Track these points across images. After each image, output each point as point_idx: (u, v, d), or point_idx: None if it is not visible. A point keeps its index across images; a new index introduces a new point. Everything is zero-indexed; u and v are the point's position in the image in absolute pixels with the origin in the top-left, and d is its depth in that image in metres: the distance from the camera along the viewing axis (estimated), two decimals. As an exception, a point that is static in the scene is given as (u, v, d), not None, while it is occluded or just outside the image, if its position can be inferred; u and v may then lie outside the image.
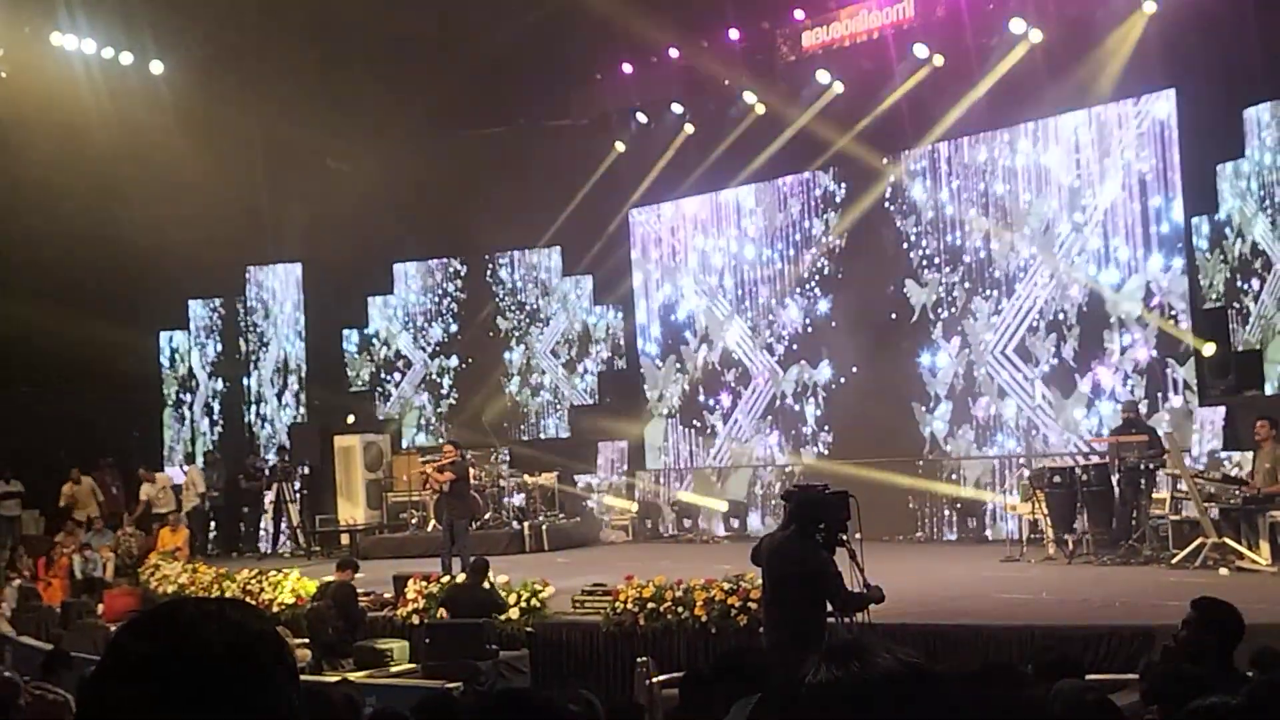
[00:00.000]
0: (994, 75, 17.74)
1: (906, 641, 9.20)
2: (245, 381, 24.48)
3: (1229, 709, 3.36)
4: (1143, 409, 16.14)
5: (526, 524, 19.76)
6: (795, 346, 20.63)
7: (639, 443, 22.36)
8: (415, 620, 13.46)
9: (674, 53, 20.77)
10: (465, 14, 20.37)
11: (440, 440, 21.19)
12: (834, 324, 20.11)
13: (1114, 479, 14.68)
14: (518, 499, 20.71)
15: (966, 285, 18.58)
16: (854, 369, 19.88)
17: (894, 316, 19.29)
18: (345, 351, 24.51)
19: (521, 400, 23.62)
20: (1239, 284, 15.84)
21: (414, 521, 20.66)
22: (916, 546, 18.00)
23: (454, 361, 24.01)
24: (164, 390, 25.07)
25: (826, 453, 20.04)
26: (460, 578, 14.09)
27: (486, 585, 13.16)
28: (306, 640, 12.96)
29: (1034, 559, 14.82)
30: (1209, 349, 16.11)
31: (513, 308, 23.75)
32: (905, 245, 19.27)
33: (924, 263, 19.06)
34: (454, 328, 24.06)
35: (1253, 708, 3.26)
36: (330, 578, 13.99)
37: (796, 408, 20.56)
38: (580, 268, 23.25)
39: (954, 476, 18.58)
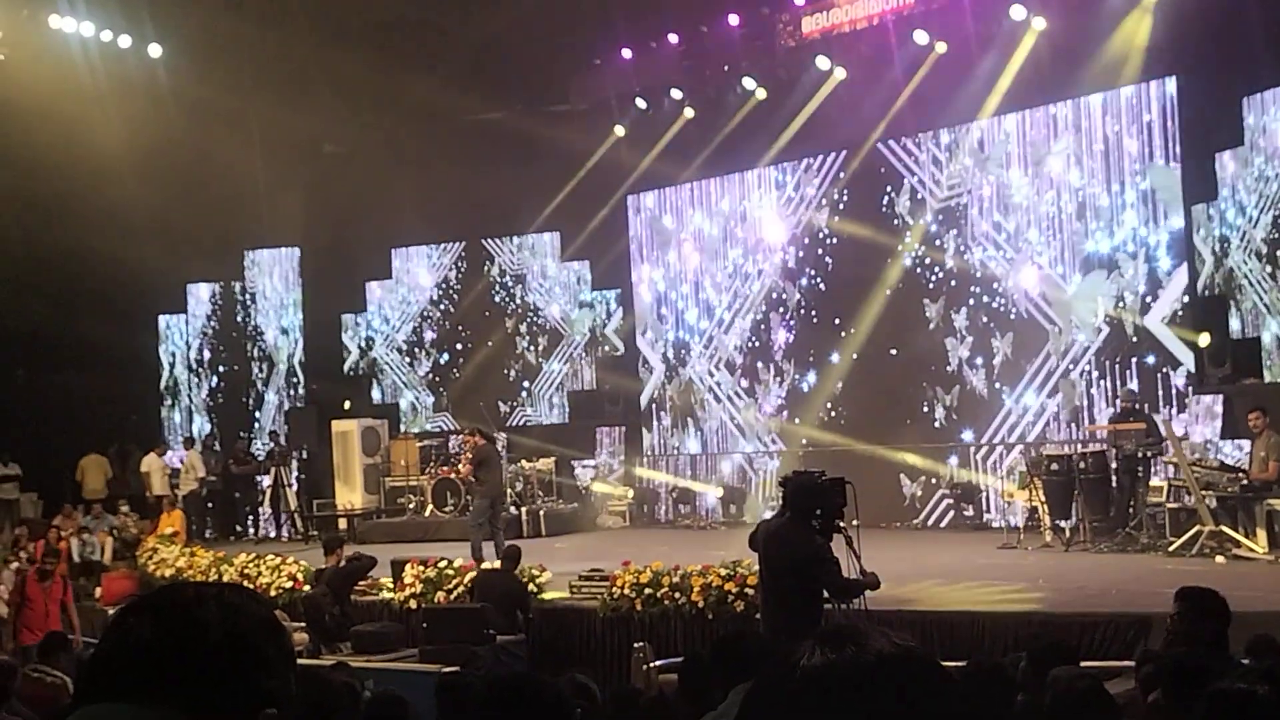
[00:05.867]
0: (996, 63, 17.72)
1: (902, 628, 9.23)
2: (243, 366, 24.49)
3: (1254, 696, 3.29)
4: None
5: (524, 509, 19.78)
6: (795, 326, 20.62)
7: (637, 428, 22.36)
8: (413, 604, 13.47)
9: (673, 38, 20.74)
10: (464, -1, 20.34)
11: (452, 424, 21.17)
12: (836, 306, 20.08)
13: (1111, 467, 14.71)
14: (516, 485, 20.71)
15: (975, 273, 18.57)
16: (832, 358, 19.93)
17: (901, 286, 19.18)
18: (343, 336, 24.52)
19: (519, 385, 23.60)
20: (1237, 271, 15.82)
21: (411, 506, 20.70)
22: (913, 533, 18.03)
23: (452, 346, 24.00)
24: (162, 374, 25.07)
25: (826, 436, 20.04)
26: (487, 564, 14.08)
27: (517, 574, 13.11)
28: (303, 624, 12.97)
29: (1031, 546, 14.84)
30: (1204, 338, 16.08)
31: (511, 292, 23.73)
32: (908, 228, 19.23)
33: (928, 246, 19.04)
34: (452, 312, 24.04)
35: None
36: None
37: (785, 390, 20.56)
38: (579, 252, 23.21)
39: (952, 461, 18.58)
